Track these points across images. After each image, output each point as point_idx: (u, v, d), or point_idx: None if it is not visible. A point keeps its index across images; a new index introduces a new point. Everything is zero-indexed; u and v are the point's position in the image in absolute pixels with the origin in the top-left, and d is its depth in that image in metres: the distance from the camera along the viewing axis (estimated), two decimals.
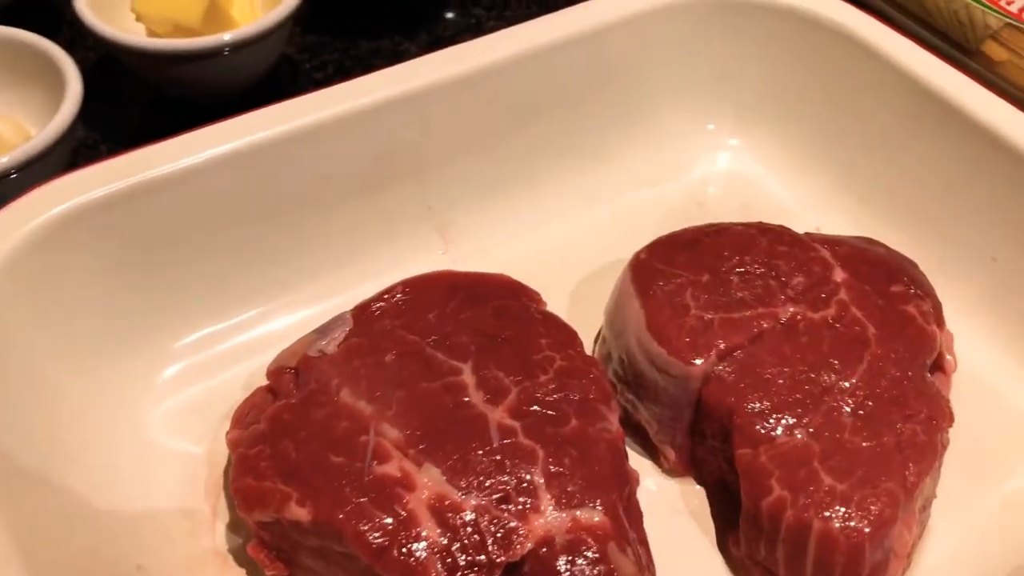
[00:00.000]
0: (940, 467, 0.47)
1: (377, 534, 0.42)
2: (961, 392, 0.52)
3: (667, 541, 0.47)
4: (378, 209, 0.58)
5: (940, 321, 0.51)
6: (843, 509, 0.43)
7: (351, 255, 0.58)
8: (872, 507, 0.43)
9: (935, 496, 0.48)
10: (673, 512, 0.50)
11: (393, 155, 0.58)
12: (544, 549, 0.42)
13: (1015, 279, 0.55)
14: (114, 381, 0.52)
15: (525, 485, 0.43)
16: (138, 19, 0.66)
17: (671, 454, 0.50)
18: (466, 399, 0.46)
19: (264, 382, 0.50)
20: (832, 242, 0.54)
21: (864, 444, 0.45)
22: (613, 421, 0.47)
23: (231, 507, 0.49)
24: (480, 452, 0.44)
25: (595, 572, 0.42)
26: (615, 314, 0.53)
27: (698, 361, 0.48)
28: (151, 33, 0.67)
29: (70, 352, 0.50)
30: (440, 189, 0.60)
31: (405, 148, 0.58)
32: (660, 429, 0.50)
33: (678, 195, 0.64)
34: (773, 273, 0.52)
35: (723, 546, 0.49)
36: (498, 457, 0.44)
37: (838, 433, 0.46)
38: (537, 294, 0.52)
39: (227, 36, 0.63)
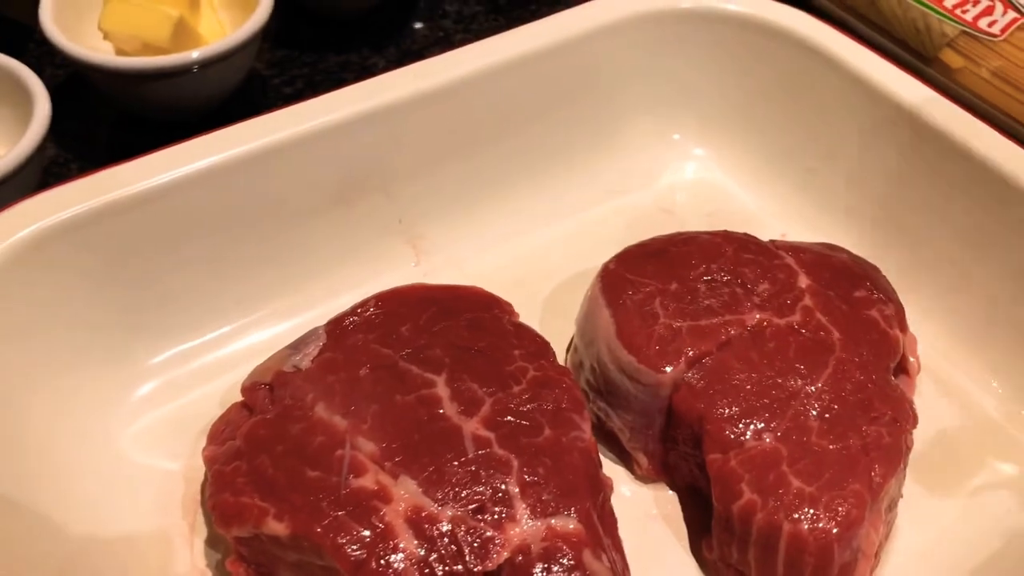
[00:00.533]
0: (905, 468, 0.48)
1: (356, 547, 0.42)
2: (924, 394, 0.53)
3: (641, 546, 0.48)
4: (350, 223, 0.59)
5: (903, 325, 0.52)
6: (812, 511, 0.44)
7: (324, 269, 0.58)
8: (840, 508, 0.44)
9: (901, 496, 0.49)
10: (647, 517, 0.51)
11: (364, 169, 0.58)
12: (520, 557, 0.42)
13: (974, 281, 0.57)
14: (89, 399, 0.52)
15: (500, 495, 0.44)
16: (105, 37, 0.66)
17: (644, 460, 0.51)
18: (440, 411, 0.47)
19: (239, 398, 0.50)
20: (796, 249, 0.55)
21: (831, 447, 0.46)
22: (586, 429, 0.48)
23: (208, 523, 0.49)
24: (455, 463, 0.45)
25: None
26: (586, 324, 0.53)
27: (668, 369, 0.49)
28: (119, 51, 0.67)
29: (45, 370, 0.51)
30: (411, 202, 0.60)
31: (376, 162, 0.58)
32: (632, 436, 0.51)
33: (646, 204, 0.65)
34: (739, 280, 0.53)
35: (696, 550, 0.50)
36: (473, 468, 0.45)
37: (806, 437, 0.47)
38: (509, 305, 0.53)
39: (195, 53, 0.63)
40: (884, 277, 0.55)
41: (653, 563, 0.48)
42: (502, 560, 0.42)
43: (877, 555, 0.48)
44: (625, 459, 0.52)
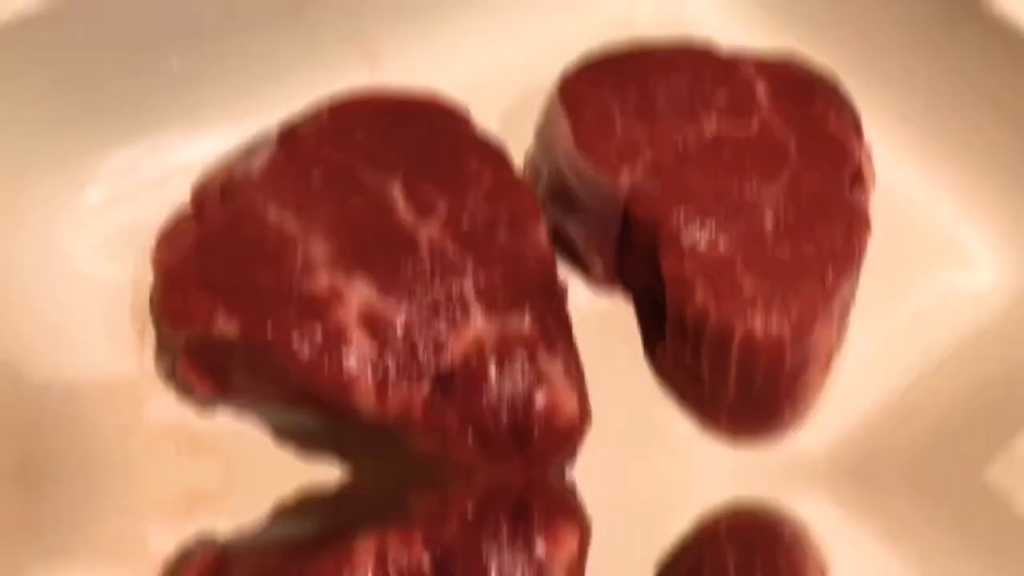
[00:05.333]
0: (858, 275, 0.48)
1: (307, 347, 0.42)
2: (879, 206, 0.53)
3: (595, 350, 0.48)
4: (302, 30, 0.56)
5: (859, 135, 0.52)
6: (764, 312, 0.45)
7: (276, 77, 0.56)
8: (792, 310, 0.45)
9: (853, 304, 0.50)
10: (601, 323, 0.51)
11: None
12: (474, 356, 0.43)
13: (933, 95, 0.56)
14: (35, 204, 0.51)
15: (454, 296, 0.44)
16: None
17: (599, 267, 0.51)
18: (395, 215, 0.46)
19: (188, 203, 0.49)
20: (755, 60, 0.54)
21: (784, 252, 0.46)
22: (542, 235, 0.47)
23: (159, 330, 0.49)
24: (409, 266, 0.45)
25: (524, 377, 0.43)
26: (544, 132, 0.52)
27: (624, 175, 0.48)
28: None
29: None
30: (368, 9, 0.58)
31: None
32: (588, 243, 0.51)
33: (608, 17, 0.63)
34: (698, 91, 0.52)
35: (650, 354, 0.50)
36: (427, 270, 0.45)
37: (760, 242, 0.47)
38: (468, 112, 0.52)
39: None
40: (843, 87, 0.54)
41: (607, 366, 0.49)
42: (456, 359, 0.43)
43: (829, 362, 0.49)
44: (581, 267, 0.52)
